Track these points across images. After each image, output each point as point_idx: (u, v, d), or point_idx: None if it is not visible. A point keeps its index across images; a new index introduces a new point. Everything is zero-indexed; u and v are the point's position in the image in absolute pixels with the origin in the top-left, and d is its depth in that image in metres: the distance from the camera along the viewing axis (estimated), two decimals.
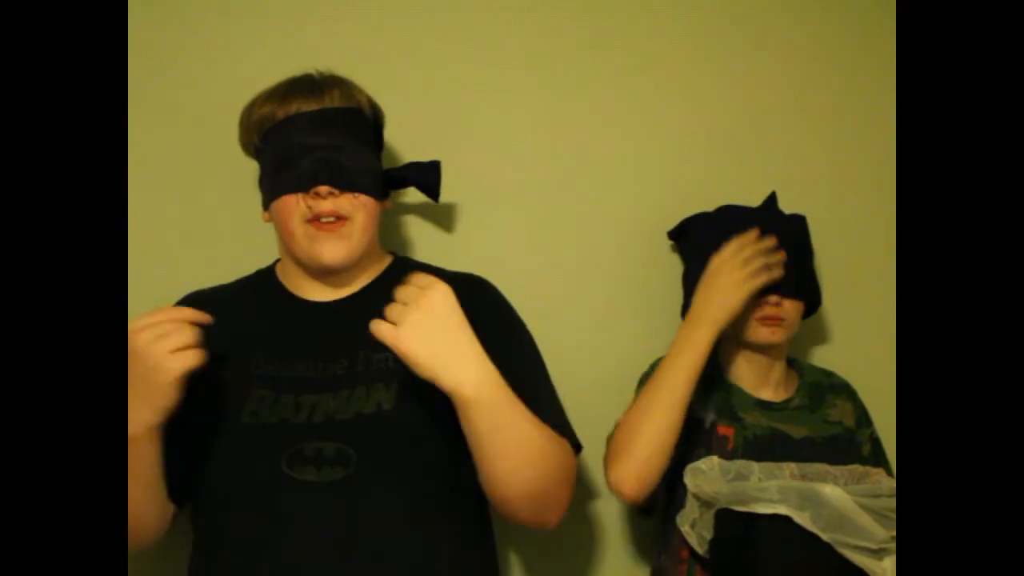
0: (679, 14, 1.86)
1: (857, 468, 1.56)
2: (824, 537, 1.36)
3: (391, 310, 1.27)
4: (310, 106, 1.44)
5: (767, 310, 1.60)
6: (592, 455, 1.62)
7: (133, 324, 1.23)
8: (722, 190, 1.74)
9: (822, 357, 1.86)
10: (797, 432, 1.63)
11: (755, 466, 1.54)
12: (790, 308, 1.62)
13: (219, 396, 1.39)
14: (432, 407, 1.35)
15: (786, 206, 1.70)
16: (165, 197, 1.70)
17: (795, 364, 1.75)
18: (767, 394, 1.66)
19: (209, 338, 1.29)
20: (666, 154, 1.84)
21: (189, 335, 1.25)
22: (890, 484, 1.45)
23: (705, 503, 1.46)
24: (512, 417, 1.32)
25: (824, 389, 1.70)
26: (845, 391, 1.71)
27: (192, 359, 1.24)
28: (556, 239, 1.80)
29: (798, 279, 1.63)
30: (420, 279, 1.30)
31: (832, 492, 1.37)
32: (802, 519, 1.36)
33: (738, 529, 1.42)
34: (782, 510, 1.36)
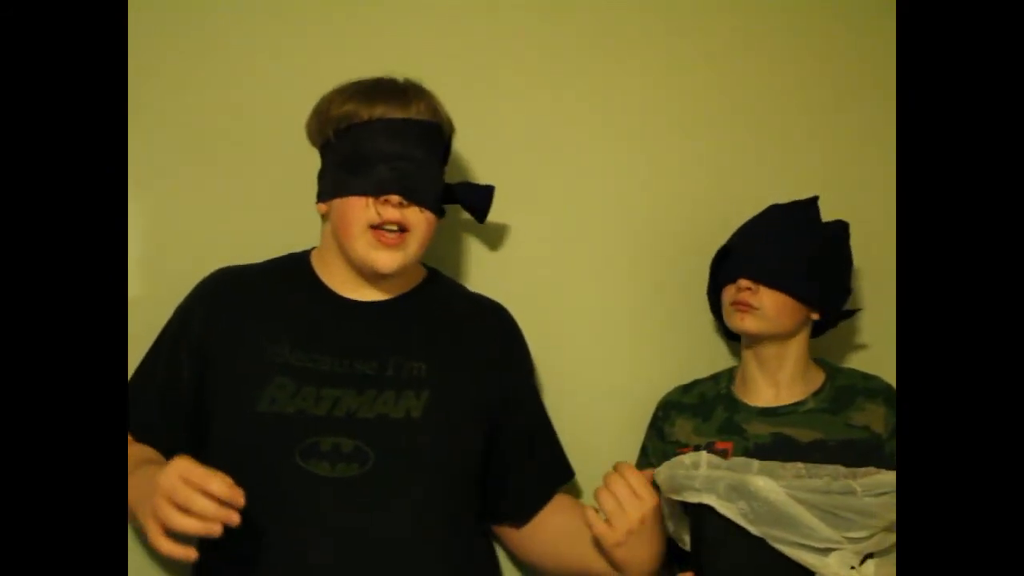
0: (692, 18, 1.87)
1: (871, 470, 1.48)
2: (753, 531, 1.33)
3: (614, 513, 1.41)
4: (396, 113, 1.44)
5: (736, 294, 1.60)
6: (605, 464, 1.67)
7: (176, 469, 1.20)
8: (740, 191, 1.75)
9: (820, 350, 1.76)
10: (804, 436, 1.58)
11: (755, 464, 1.52)
12: (766, 298, 1.58)
13: (239, 381, 1.42)
14: (460, 425, 1.46)
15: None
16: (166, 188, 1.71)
17: (826, 366, 1.68)
18: (773, 396, 1.63)
19: (234, 322, 1.37)
20: (679, 160, 1.86)
21: (194, 525, 1.19)
22: (856, 482, 1.36)
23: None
24: None
25: (856, 392, 1.61)
26: (883, 395, 1.60)
27: (175, 552, 1.21)
28: (566, 247, 1.83)
29: (783, 270, 1.58)
30: (634, 479, 1.42)
31: (764, 484, 1.33)
32: (728, 510, 1.34)
33: (691, 518, 1.43)
34: (707, 500, 1.35)
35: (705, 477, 1.37)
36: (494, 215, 1.64)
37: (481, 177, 1.77)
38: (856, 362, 1.81)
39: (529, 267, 1.79)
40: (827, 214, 1.66)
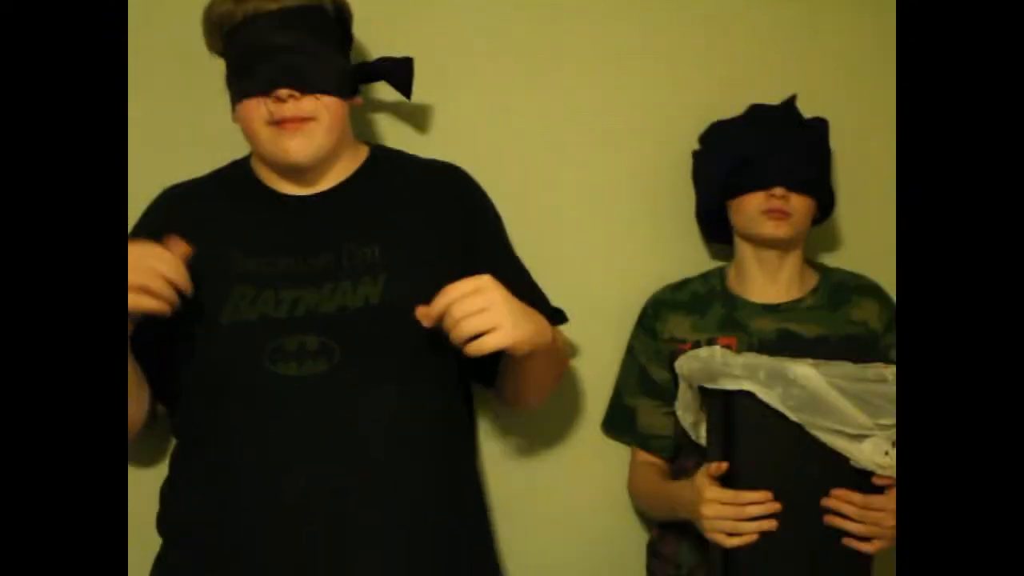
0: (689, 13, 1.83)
1: (879, 367, 1.50)
2: (792, 417, 1.34)
3: (469, 320, 1.27)
4: (269, 4, 1.40)
5: (773, 202, 1.57)
6: (599, 391, 1.70)
7: (134, 249, 1.24)
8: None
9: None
10: (809, 331, 1.59)
11: (765, 360, 1.53)
12: (797, 203, 1.58)
13: (200, 294, 1.36)
14: (420, 303, 1.35)
15: None
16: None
17: (817, 266, 1.70)
18: (775, 294, 1.63)
19: (185, 237, 1.31)
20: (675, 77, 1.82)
21: (160, 285, 1.24)
22: (888, 371, 1.37)
23: (688, 383, 1.46)
24: (552, 348, 1.42)
25: (850, 289, 1.64)
26: (874, 292, 1.64)
27: (147, 304, 1.24)
28: (545, 152, 1.78)
29: (808, 176, 1.60)
30: (466, 287, 1.29)
31: (803, 371, 1.34)
32: (768, 396, 1.34)
33: (717, 407, 1.41)
34: (746, 386, 1.34)
35: (744, 364, 1.35)
36: (479, 118, 1.60)
37: (473, 76, 1.74)
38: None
39: (513, 171, 1.74)
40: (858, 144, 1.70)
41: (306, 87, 1.40)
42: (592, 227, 1.78)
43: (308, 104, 1.40)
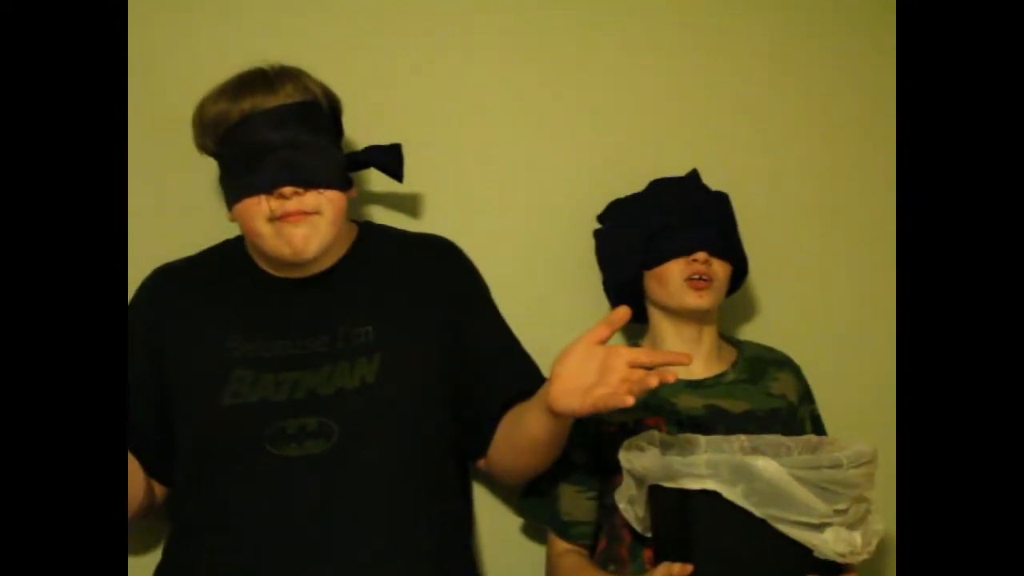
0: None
1: (812, 438, 1.49)
2: (757, 513, 1.29)
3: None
4: (266, 103, 1.40)
5: (695, 267, 1.55)
6: None
7: None
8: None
9: (820, 349, 1.80)
10: (736, 407, 1.57)
11: (702, 440, 1.49)
12: (719, 269, 1.57)
13: (198, 378, 1.42)
14: (415, 380, 1.44)
15: (784, 194, 1.78)
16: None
17: (730, 339, 1.70)
18: (697, 370, 1.59)
19: (183, 320, 1.39)
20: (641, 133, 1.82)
21: None
22: (842, 455, 1.35)
23: (638, 480, 1.40)
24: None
25: (766, 363, 1.64)
26: (788, 366, 1.66)
27: None
28: (503, 224, 1.76)
29: (726, 241, 1.59)
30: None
31: (766, 465, 1.29)
32: (732, 494, 1.29)
33: (672, 505, 1.36)
34: (711, 485, 1.29)
35: (707, 461, 1.30)
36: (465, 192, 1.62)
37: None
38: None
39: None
40: (826, 212, 1.74)
41: (310, 183, 1.41)
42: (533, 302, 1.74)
43: (311, 199, 1.41)
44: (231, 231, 1.58)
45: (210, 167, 1.52)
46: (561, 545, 1.60)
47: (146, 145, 1.61)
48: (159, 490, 1.49)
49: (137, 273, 1.50)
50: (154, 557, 1.48)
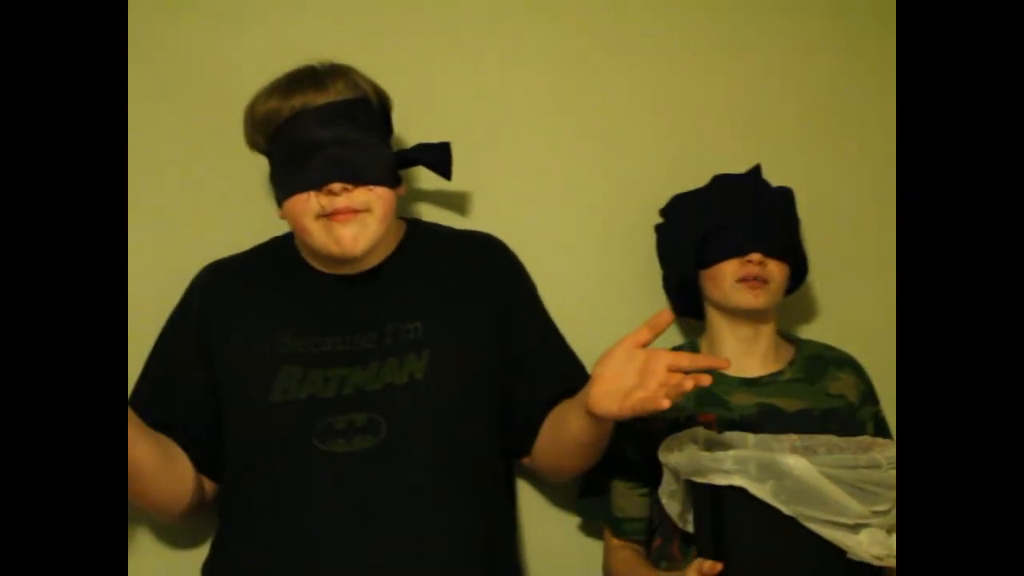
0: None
1: (866, 439, 1.46)
2: (786, 511, 1.28)
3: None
4: (316, 100, 1.41)
5: (749, 268, 1.53)
6: None
7: None
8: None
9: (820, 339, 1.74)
10: (790, 405, 1.55)
11: (751, 438, 1.48)
12: (775, 270, 1.55)
13: (248, 374, 1.44)
14: (463, 377, 1.45)
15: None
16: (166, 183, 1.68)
17: (790, 337, 1.67)
18: (753, 368, 1.58)
19: (233, 317, 1.41)
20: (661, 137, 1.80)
21: None
22: (882, 455, 1.32)
23: (675, 474, 1.40)
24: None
25: (826, 362, 1.61)
26: (849, 365, 1.62)
27: None
28: (551, 223, 1.76)
29: (783, 240, 1.56)
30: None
31: (795, 463, 1.28)
32: (760, 491, 1.28)
33: (705, 501, 1.36)
34: (738, 481, 1.28)
35: (734, 457, 1.30)
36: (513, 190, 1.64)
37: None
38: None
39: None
40: (825, 213, 1.69)
41: (359, 180, 1.41)
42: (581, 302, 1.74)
43: (360, 196, 1.42)
44: (233, 232, 1.61)
45: (211, 167, 1.57)
46: (615, 540, 1.62)
47: (146, 145, 1.62)
48: (209, 486, 1.50)
49: (137, 273, 1.48)
50: (202, 552, 1.51)
